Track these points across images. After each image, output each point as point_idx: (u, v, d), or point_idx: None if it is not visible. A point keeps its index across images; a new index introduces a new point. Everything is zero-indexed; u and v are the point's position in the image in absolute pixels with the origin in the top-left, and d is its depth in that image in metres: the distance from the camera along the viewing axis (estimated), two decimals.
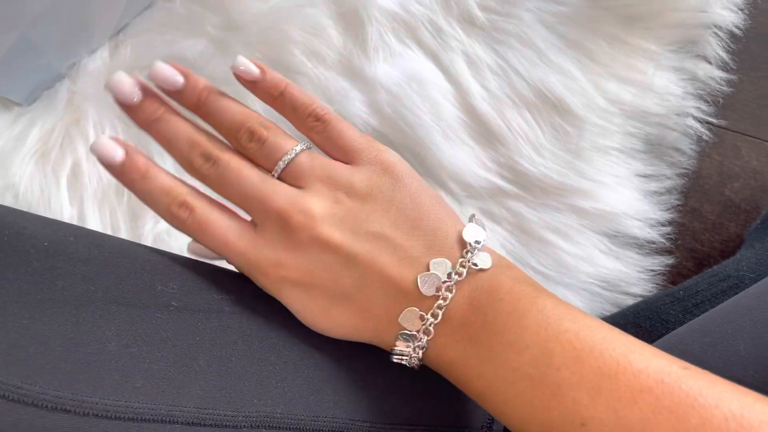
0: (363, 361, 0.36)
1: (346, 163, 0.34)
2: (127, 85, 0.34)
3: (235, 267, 0.34)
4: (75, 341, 0.29)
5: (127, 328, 0.31)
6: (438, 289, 0.31)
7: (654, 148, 0.54)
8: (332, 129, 0.34)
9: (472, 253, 0.32)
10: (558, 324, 0.29)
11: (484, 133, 0.52)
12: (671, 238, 0.54)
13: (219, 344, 0.33)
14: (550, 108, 0.52)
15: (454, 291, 0.31)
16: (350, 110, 0.51)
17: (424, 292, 0.31)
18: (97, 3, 0.46)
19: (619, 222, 0.52)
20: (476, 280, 0.32)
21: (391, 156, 0.34)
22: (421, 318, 0.32)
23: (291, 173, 0.34)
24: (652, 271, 0.53)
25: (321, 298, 0.33)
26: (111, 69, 0.50)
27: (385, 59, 0.51)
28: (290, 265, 0.32)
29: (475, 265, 0.32)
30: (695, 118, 0.54)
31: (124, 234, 0.49)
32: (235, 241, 0.33)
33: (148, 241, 0.48)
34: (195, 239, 0.34)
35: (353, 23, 0.51)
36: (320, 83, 0.51)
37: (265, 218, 0.33)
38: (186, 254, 0.50)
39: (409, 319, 0.32)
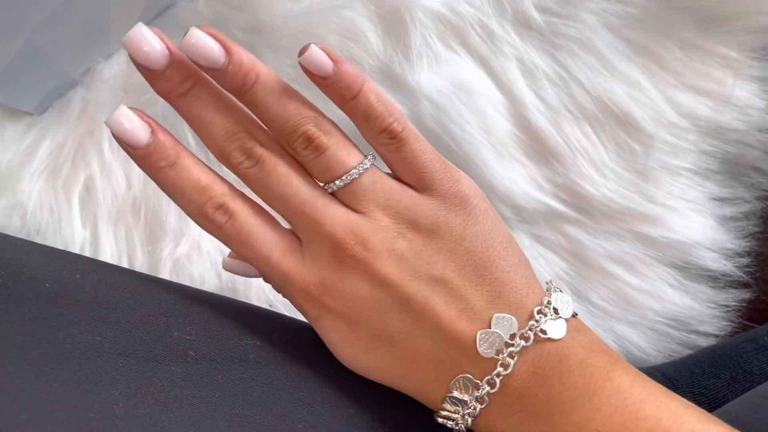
0: (403, 417, 0.32)
1: (416, 189, 0.30)
2: (149, 42, 0.27)
3: (273, 286, 0.31)
4: (76, 404, 0.26)
5: (137, 385, 0.27)
6: (498, 353, 0.27)
7: (731, 168, 0.49)
8: (408, 150, 0.29)
9: (546, 316, 0.28)
10: (637, 408, 0.26)
11: (539, 149, 0.47)
12: (749, 270, 0.48)
13: (242, 401, 0.29)
14: (615, 122, 0.47)
15: (516, 358, 0.27)
16: None
17: (482, 353, 0.27)
18: (111, 3, 0.42)
19: (691, 252, 0.47)
20: (542, 346, 0.28)
21: (468, 188, 0.30)
22: (476, 386, 0.28)
23: (349, 193, 0.29)
24: (726, 306, 0.48)
25: (364, 336, 0.29)
26: (128, 75, 0.46)
27: (429, 66, 0.46)
28: (336, 295, 0.29)
29: (544, 333, 0.27)
30: None
31: (140, 258, 0.45)
32: (279, 260, 0.29)
33: (167, 267, 0.44)
34: (230, 247, 0.30)
35: (394, 26, 0.47)
36: None
37: (314, 239, 0.29)
38: (204, 287, 0.46)
39: (462, 386, 0.28)
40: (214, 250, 0.45)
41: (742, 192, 0.49)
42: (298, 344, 0.32)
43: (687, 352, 0.47)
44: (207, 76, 0.29)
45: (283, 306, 0.45)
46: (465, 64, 0.47)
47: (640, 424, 0.25)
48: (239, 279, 0.45)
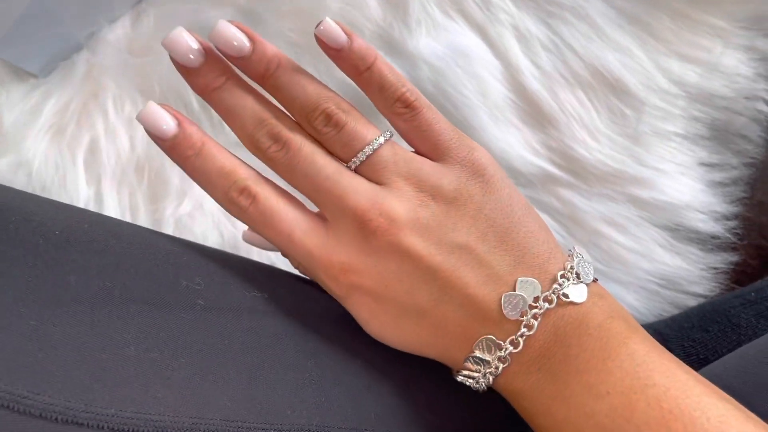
0: (405, 371, 0.32)
1: (432, 158, 0.31)
2: (186, 43, 0.29)
3: (297, 267, 0.31)
4: (89, 345, 0.26)
5: (147, 330, 0.28)
6: (522, 314, 0.28)
7: (719, 134, 0.50)
8: (422, 118, 0.30)
9: (568, 280, 0.29)
10: (647, 376, 0.26)
11: (534, 114, 0.48)
12: (736, 234, 0.50)
13: (250, 348, 0.29)
14: (607, 88, 0.48)
15: (539, 319, 0.28)
16: None
17: (507, 315, 0.28)
18: None
19: (681, 214, 0.48)
20: (564, 309, 0.28)
21: (483, 156, 0.30)
22: (498, 347, 0.29)
23: (370, 166, 0.30)
24: (714, 268, 0.49)
25: (393, 309, 0.30)
26: (132, 39, 0.46)
27: (428, 32, 0.47)
28: (363, 271, 0.29)
29: (567, 297, 0.28)
30: (766, 102, 0.49)
31: (143, 217, 0.45)
32: (302, 238, 0.30)
33: (170, 226, 0.45)
34: (255, 230, 0.31)
35: None
36: None
37: (339, 216, 0.29)
38: (203, 242, 0.47)
39: (485, 347, 0.29)
40: (216, 209, 0.45)
41: (730, 158, 0.50)
42: (303, 298, 0.32)
43: (676, 311, 0.48)
44: (236, 70, 0.31)
45: (283, 264, 0.45)
46: (462, 31, 0.48)
47: (648, 390, 0.26)
48: (241, 238, 0.45)
